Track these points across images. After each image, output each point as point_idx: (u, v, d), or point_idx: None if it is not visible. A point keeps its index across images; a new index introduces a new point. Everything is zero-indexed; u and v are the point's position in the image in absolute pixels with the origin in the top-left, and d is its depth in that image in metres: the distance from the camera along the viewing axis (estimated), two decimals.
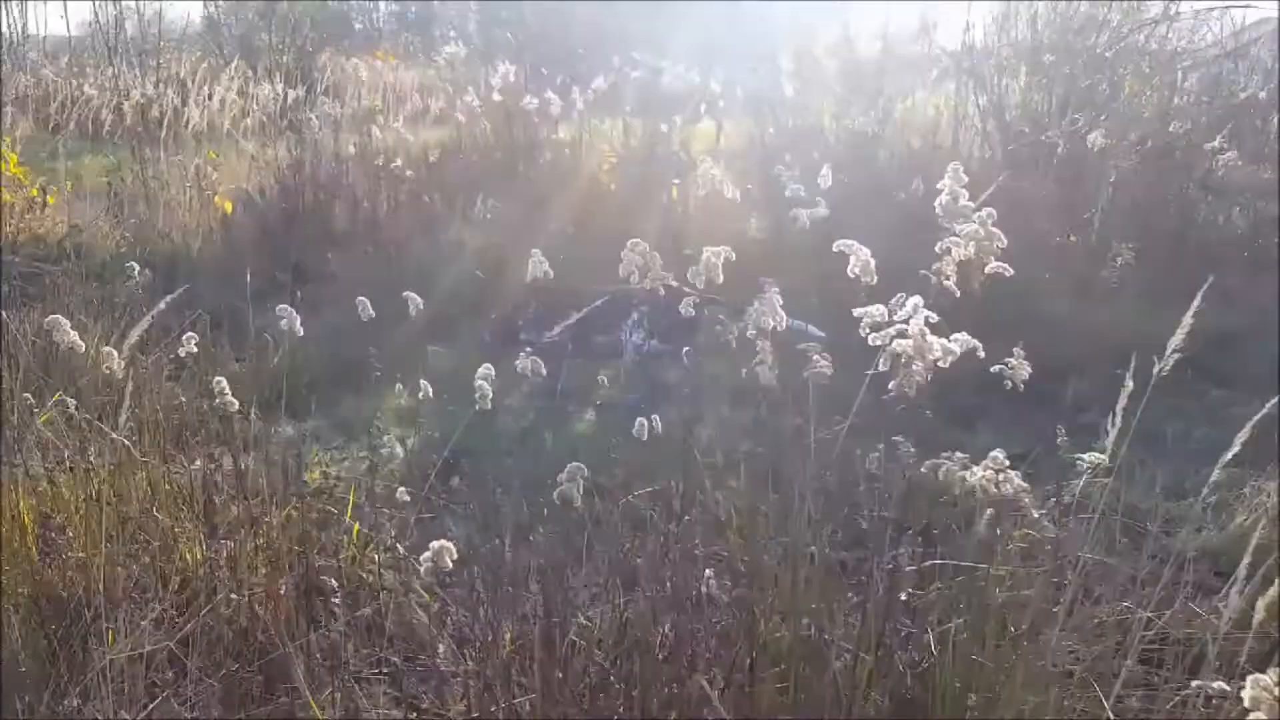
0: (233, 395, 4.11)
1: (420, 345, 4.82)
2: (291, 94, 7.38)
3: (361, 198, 5.94)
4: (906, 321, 1.47)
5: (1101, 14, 7.28)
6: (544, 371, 2.77)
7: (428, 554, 1.51)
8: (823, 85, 6.26)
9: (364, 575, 2.56)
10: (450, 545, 1.50)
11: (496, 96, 6.86)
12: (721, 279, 1.85)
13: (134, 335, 2.34)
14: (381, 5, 20.84)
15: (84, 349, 2.30)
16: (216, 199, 5.59)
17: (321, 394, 4.33)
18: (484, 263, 5.46)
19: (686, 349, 4.93)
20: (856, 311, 1.51)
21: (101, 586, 2.36)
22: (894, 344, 1.45)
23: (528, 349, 4.67)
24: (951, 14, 7.78)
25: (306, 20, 10.82)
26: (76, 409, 3.26)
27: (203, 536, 2.56)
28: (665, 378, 4.48)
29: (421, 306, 3.25)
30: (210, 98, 7.52)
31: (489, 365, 2.40)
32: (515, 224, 5.90)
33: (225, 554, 2.52)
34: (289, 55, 10.18)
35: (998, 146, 6.76)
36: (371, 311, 2.59)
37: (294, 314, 2.39)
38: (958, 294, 1.69)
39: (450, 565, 1.50)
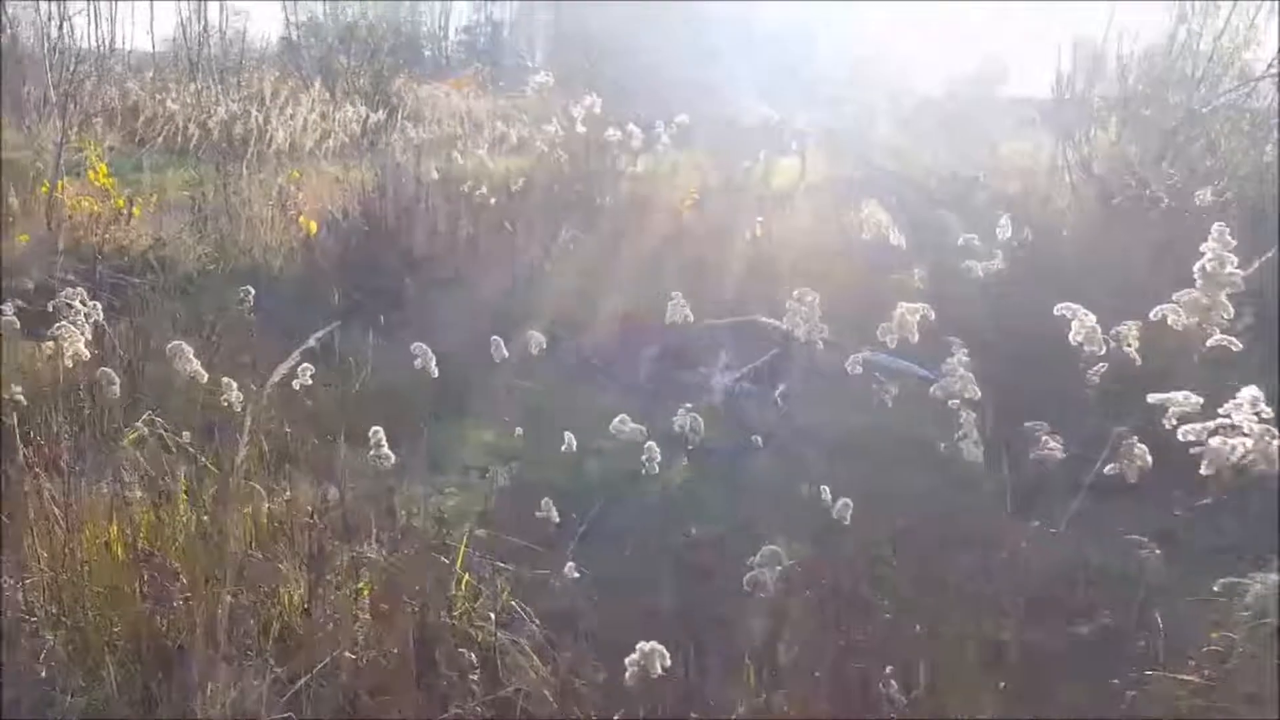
0: (321, 423, 4.08)
1: (504, 376, 4.72)
2: (372, 117, 7.39)
3: (443, 223, 5.87)
4: (1227, 415, 1.29)
5: (1191, 69, 7.10)
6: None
7: (635, 657, 1.35)
8: (918, 126, 6.11)
9: (474, 632, 2.41)
10: (661, 649, 1.34)
11: (580, 128, 6.80)
12: (916, 338, 1.67)
13: (277, 374, 2.22)
14: (451, 33, 21.09)
15: (205, 378, 2.18)
16: (301, 218, 5.55)
17: (408, 424, 4.22)
18: (565, 295, 5.36)
19: (780, 389, 4.73)
20: (1154, 398, 1.34)
21: (202, 631, 2.24)
22: (1213, 441, 1.28)
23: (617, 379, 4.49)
24: (1027, 59, 7.60)
25: (385, 45, 10.92)
26: (170, 431, 3.19)
27: (306, 582, 2.44)
28: (757, 422, 4.29)
29: (504, 346, 3.10)
30: (292, 118, 7.55)
31: (624, 417, 2.24)
32: (595, 256, 5.80)
33: (329, 602, 2.39)
34: (365, 79, 10.26)
35: (1088, 198, 6.55)
36: (505, 352, 2.44)
37: (429, 353, 2.27)
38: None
39: (660, 670, 1.34)
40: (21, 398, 2.43)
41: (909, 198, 5.41)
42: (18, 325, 2.76)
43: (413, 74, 13.07)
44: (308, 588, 2.40)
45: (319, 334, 2.43)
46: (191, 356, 2.16)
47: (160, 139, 7.82)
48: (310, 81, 9.38)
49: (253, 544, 2.58)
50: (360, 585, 2.47)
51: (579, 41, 15.43)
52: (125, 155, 7.53)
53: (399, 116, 7.68)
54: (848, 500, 2.12)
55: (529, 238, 5.71)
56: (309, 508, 2.88)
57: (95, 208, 5.61)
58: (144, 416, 3.04)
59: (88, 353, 2.16)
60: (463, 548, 2.43)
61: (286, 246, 5.80)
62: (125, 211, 5.72)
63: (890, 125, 6.97)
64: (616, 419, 2.26)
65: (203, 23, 10.82)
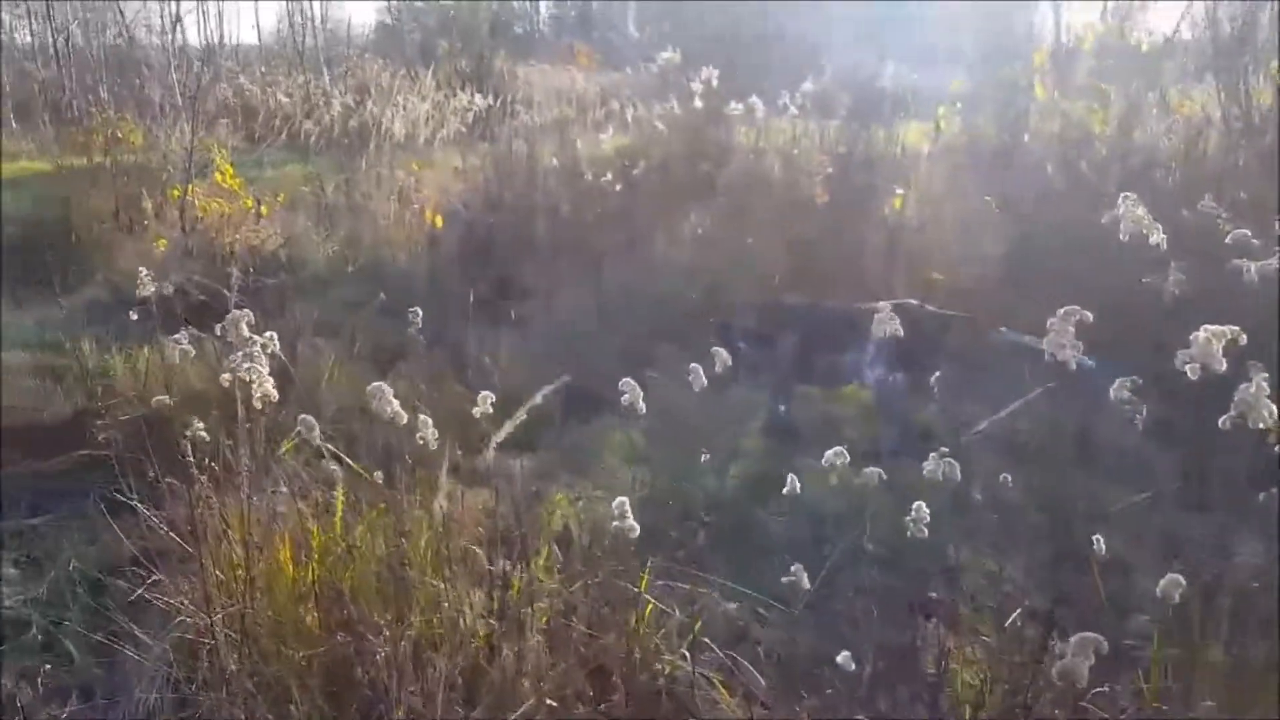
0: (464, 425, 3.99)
1: (636, 371, 4.56)
2: (482, 102, 7.28)
3: (568, 211, 5.73)
4: None
5: None
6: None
7: None
8: (1078, 85, 5.65)
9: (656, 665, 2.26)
10: None
11: (698, 102, 6.57)
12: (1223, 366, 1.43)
13: (508, 428, 2.12)
14: (542, 7, 20.95)
15: (404, 419, 2.06)
16: (426, 213, 5.49)
17: (543, 423, 4.12)
18: (696, 282, 5.17)
19: (936, 375, 4.37)
20: None
21: (388, 658, 2.15)
22: None
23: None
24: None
25: (485, 26, 10.82)
26: (329, 443, 3.12)
27: (484, 609, 2.33)
28: (914, 418, 4.04)
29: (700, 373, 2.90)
30: (405, 108, 7.50)
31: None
32: (723, 239, 5.58)
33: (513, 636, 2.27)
34: (467, 61, 10.19)
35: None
36: (704, 380, 2.26)
37: (638, 390, 2.09)
38: None
39: None
40: (204, 433, 2.36)
41: (1071, 162, 5.01)
42: (192, 353, 2.72)
43: (509, 54, 13.00)
44: (487, 615, 2.28)
45: (546, 389, 2.30)
46: (391, 398, 2.04)
47: (282, 135, 7.88)
48: (414, 69, 9.34)
49: (428, 567, 2.48)
50: (539, 614, 2.34)
51: (681, 14, 15.09)
52: (244, 153, 7.61)
53: (508, 100, 7.57)
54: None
55: (658, 223, 5.53)
56: (480, 528, 2.78)
57: (226, 209, 5.65)
58: (313, 431, 2.97)
59: (275, 393, 2.06)
60: (645, 577, 2.27)
61: (411, 241, 5.75)
62: (254, 211, 5.76)
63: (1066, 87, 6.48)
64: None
65: (306, 14, 10.91)
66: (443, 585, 2.35)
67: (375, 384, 2.05)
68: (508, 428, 2.15)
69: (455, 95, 7.79)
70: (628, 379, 2.13)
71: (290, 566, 2.44)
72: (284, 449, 3.22)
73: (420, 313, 4.68)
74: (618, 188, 5.61)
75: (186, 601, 2.40)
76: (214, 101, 9.31)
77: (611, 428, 4.08)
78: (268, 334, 2.19)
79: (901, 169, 5.95)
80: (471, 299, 5.21)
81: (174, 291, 5.40)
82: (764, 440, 4.13)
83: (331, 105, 7.38)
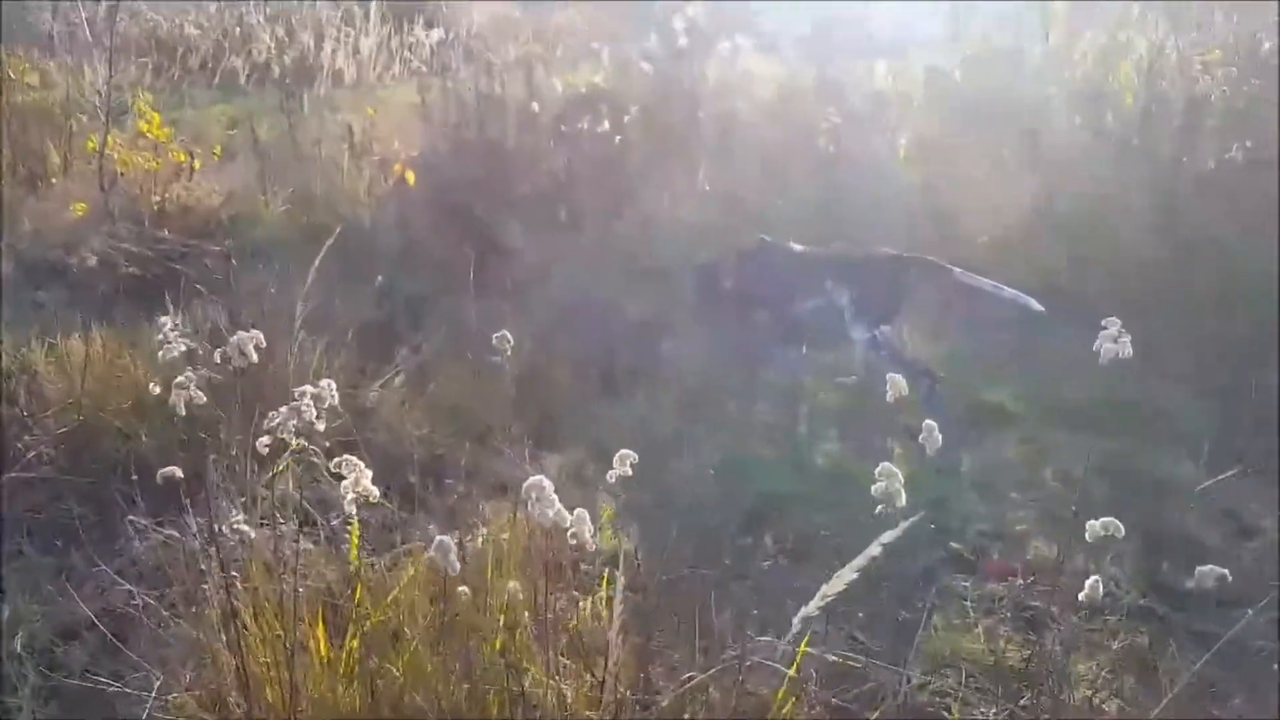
0: (470, 420, 3.42)
1: (648, 348, 4.04)
2: (437, 35, 6.52)
3: (547, 160, 5.12)
4: None
5: None
6: None
7: None
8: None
9: None
10: None
11: (682, 41, 5.97)
12: None
13: None
14: None
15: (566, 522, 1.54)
16: (397, 167, 4.80)
17: (560, 412, 3.58)
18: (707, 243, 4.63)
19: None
20: None
21: None
22: None
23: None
24: None
25: None
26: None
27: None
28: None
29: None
30: (346, 43, 6.69)
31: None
32: (730, 194, 5.05)
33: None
34: None
35: None
36: None
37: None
38: None
39: None
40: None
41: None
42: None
43: None
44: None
45: None
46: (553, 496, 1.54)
47: (215, 75, 6.95)
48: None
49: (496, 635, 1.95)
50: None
51: None
52: (161, 94, 6.71)
53: (462, 35, 6.81)
54: None
55: (656, 176, 4.96)
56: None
57: (153, 164, 4.86)
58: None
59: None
60: (802, 650, 1.78)
61: (375, 198, 5.07)
62: (187, 165, 4.98)
63: None
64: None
65: None
66: (534, 669, 1.83)
67: (534, 480, 1.51)
68: None
69: (403, 29, 7.00)
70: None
71: (324, 646, 1.88)
72: (278, 468, 2.64)
73: (389, 283, 4.12)
74: (599, 129, 5.00)
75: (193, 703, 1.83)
76: (124, 36, 8.28)
77: (636, 411, 3.58)
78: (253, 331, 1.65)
79: (905, 117, 5.50)
80: (442, 266, 4.63)
81: (97, 263, 4.66)
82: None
83: (259, 38, 6.51)
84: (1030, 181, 4.72)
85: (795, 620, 1.51)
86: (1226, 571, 1.66)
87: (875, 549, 1.50)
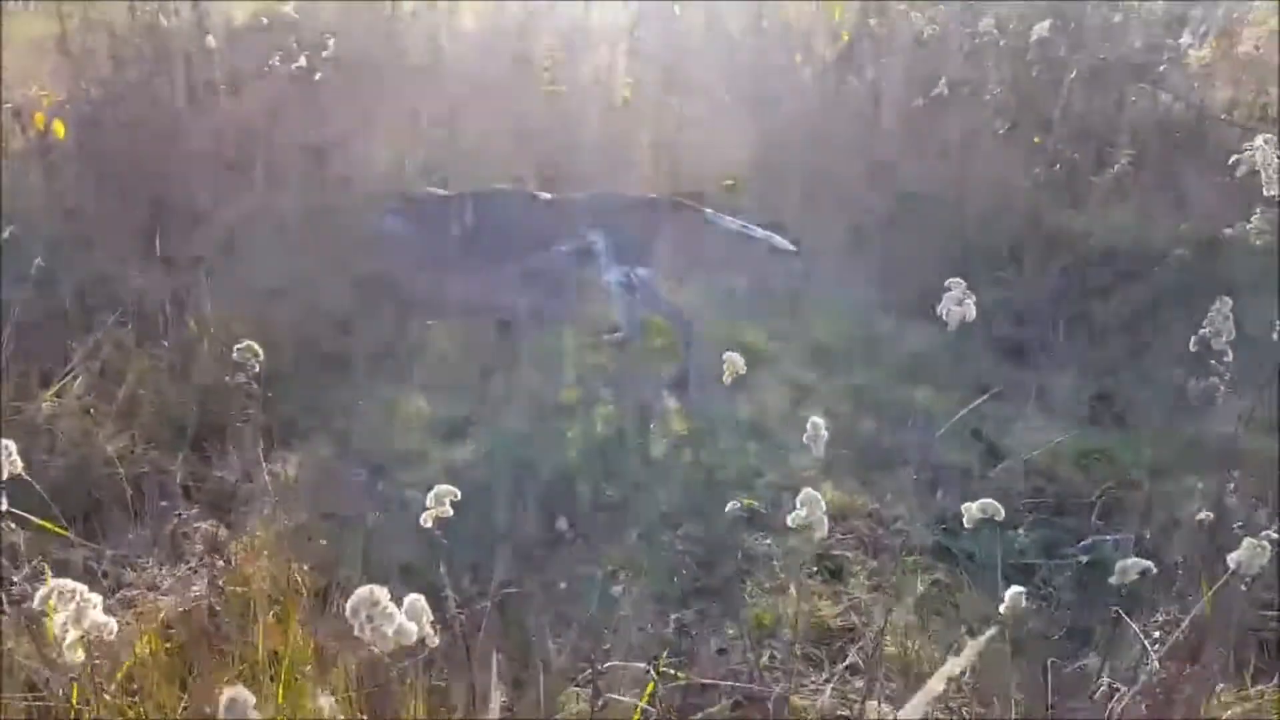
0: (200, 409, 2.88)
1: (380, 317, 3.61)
2: None
3: (232, 107, 4.45)
4: None
5: None
6: None
7: None
8: None
9: None
10: None
11: None
12: None
13: None
14: None
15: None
16: (38, 117, 3.91)
17: (288, 401, 3.09)
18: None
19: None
20: None
21: None
22: None
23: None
24: None
25: None
26: None
27: None
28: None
29: None
30: None
31: None
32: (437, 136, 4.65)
33: None
34: None
35: None
36: None
37: None
38: None
39: None
40: None
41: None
42: None
43: None
44: None
45: None
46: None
47: None
48: None
49: None
50: None
51: None
52: None
53: None
54: None
55: (357, 116, 4.44)
56: None
57: None
58: None
59: None
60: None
61: (9, 153, 4.15)
62: None
63: None
64: None
65: None
66: None
67: (362, 594, 1.14)
68: None
69: None
70: None
71: None
72: None
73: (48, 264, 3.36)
74: (304, 70, 4.40)
75: None
76: None
77: (379, 392, 3.17)
78: None
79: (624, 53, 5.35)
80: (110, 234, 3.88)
81: None
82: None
83: None
84: (753, 120, 4.76)
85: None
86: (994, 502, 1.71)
87: None
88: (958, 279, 1.96)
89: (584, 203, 3.59)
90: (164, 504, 2.50)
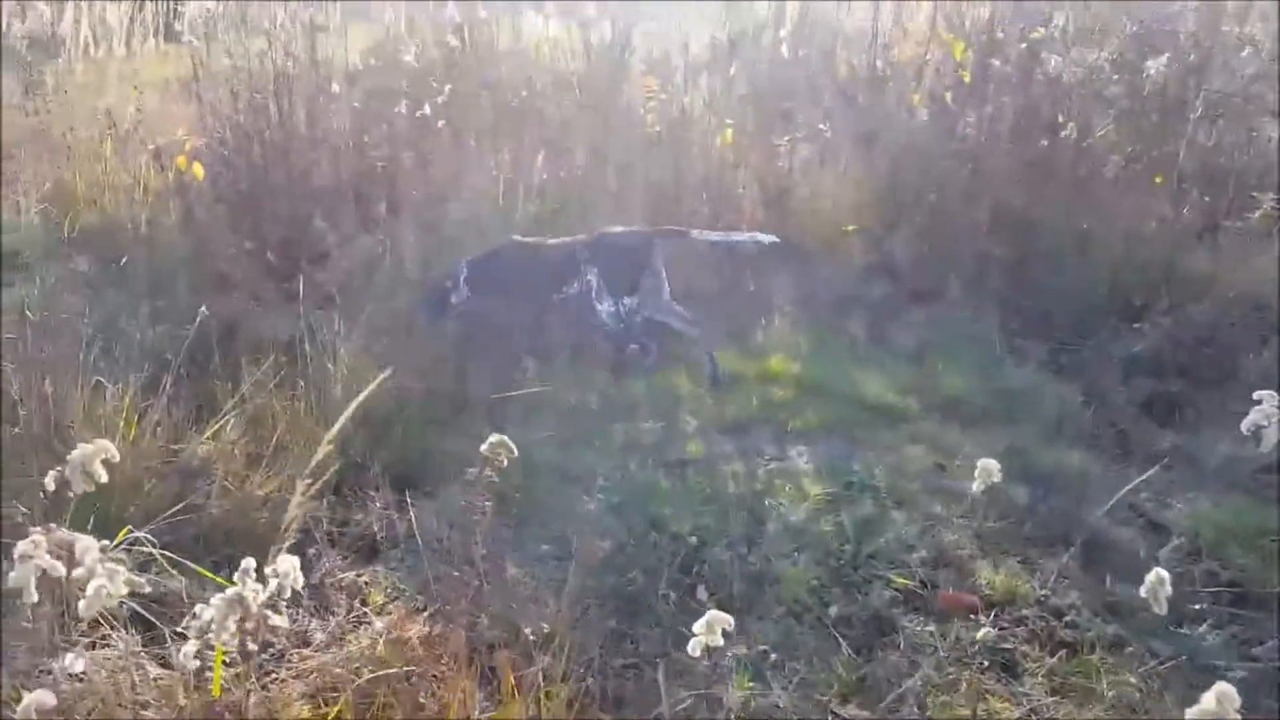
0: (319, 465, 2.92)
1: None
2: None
3: (360, 150, 4.55)
4: None
5: None
6: None
7: None
8: None
9: None
10: None
11: (482, 13, 5.52)
12: None
13: None
14: None
15: None
16: (181, 161, 4.06)
17: (412, 442, 3.11)
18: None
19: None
20: None
21: None
22: None
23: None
24: None
25: None
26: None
27: None
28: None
29: None
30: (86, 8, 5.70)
31: None
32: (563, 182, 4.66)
33: None
34: None
35: None
36: None
37: None
38: None
39: None
40: None
41: None
42: None
43: None
44: None
45: None
46: None
47: None
48: None
49: None
50: None
51: None
52: None
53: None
54: None
55: (474, 158, 4.51)
56: None
57: None
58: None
59: None
60: None
61: (150, 194, 4.32)
62: None
63: None
64: None
65: None
66: None
67: None
68: None
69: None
70: None
71: None
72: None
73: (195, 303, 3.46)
74: (427, 116, 4.48)
75: None
76: None
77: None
78: None
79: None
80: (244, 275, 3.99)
81: None
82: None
83: None
84: (867, 163, 4.68)
85: None
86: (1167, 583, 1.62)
87: None
88: (1270, 392, 1.82)
89: (584, 244, 3.78)
90: (312, 551, 2.55)
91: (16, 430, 2.54)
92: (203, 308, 2.77)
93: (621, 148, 4.85)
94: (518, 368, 3.59)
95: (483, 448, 2.07)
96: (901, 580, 2.46)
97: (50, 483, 1.41)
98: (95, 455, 1.38)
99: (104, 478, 1.46)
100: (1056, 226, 4.33)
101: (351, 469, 2.91)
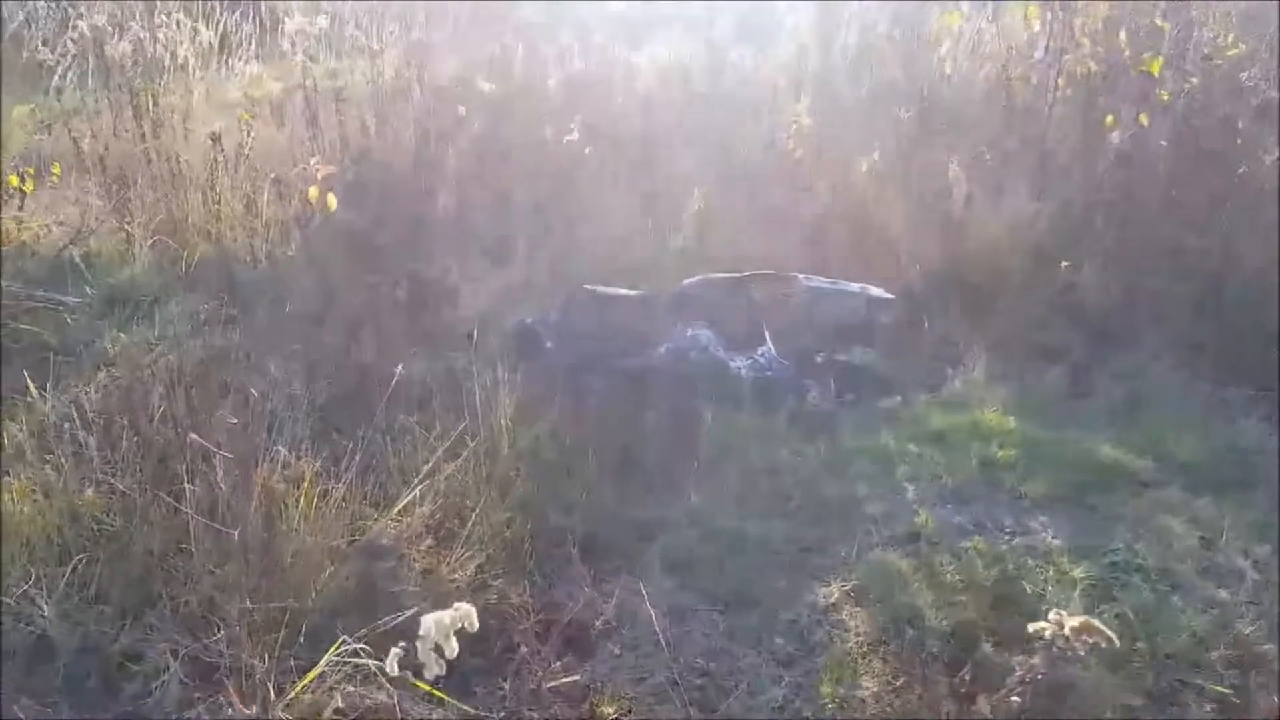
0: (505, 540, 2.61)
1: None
2: (316, 23, 5.38)
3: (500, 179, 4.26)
4: None
5: None
6: None
7: None
8: None
9: None
10: None
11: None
12: None
13: None
14: None
15: None
16: (313, 192, 3.77)
17: (597, 517, 2.76)
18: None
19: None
20: None
21: None
22: None
23: None
24: None
25: None
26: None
27: None
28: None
29: None
30: (180, 26, 5.47)
31: None
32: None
33: None
34: None
35: None
36: None
37: None
38: None
39: None
40: None
41: None
42: None
43: None
44: None
45: None
46: None
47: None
48: None
49: None
50: None
51: None
52: None
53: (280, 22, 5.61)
54: None
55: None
56: None
57: None
58: None
59: None
60: None
61: (273, 227, 4.04)
62: (18, 190, 3.77)
63: None
64: None
65: None
66: None
67: None
68: None
69: (259, 12, 5.80)
70: None
71: None
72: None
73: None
74: (575, 142, 4.18)
75: None
76: None
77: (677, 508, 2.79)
78: None
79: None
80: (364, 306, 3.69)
81: None
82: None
83: (75, 25, 5.17)
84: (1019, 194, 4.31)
85: None
86: None
87: None
88: None
89: (676, 297, 3.49)
90: (522, 647, 2.22)
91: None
92: (399, 366, 2.45)
93: (758, 176, 4.54)
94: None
95: None
96: (1216, 690, 2.10)
97: (392, 666, 1.08)
98: (451, 626, 1.05)
99: (456, 651, 1.14)
100: (1254, 261, 3.95)
101: (539, 536, 2.59)
